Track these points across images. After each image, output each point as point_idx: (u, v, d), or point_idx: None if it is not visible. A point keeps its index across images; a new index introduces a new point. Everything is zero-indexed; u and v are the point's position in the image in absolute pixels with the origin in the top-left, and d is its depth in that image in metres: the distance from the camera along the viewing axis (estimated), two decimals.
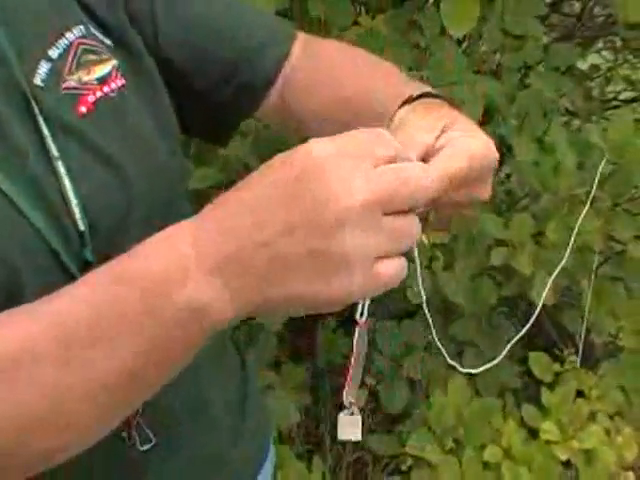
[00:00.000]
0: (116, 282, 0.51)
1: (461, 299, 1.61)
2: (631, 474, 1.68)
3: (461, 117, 0.61)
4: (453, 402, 1.63)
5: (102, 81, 0.64)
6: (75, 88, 0.63)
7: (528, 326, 0.70)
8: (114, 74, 0.65)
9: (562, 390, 1.66)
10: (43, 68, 0.61)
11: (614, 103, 2.20)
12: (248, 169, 1.42)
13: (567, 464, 1.64)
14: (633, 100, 2.16)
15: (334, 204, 0.46)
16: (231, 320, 0.50)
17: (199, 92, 0.74)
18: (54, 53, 0.62)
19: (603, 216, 1.55)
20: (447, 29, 1.41)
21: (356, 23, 1.50)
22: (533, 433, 1.65)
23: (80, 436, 0.53)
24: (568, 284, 1.71)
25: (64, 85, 0.62)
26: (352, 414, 0.59)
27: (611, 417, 1.68)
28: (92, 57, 0.64)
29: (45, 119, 0.60)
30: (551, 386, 1.67)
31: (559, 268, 0.82)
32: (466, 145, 0.57)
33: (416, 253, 0.58)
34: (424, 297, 0.63)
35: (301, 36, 0.78)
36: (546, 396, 1.65)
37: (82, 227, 0.60)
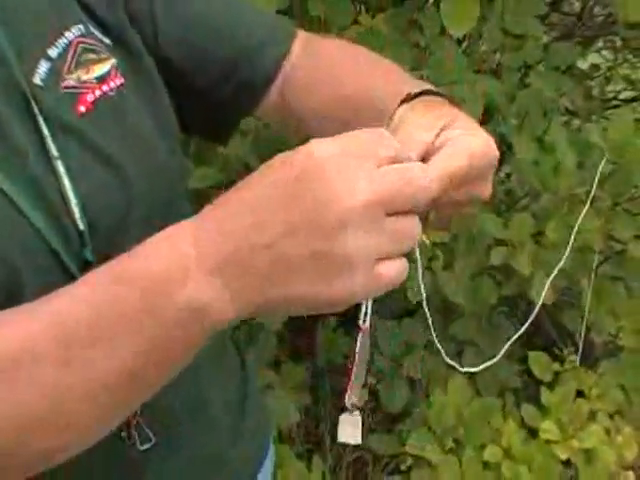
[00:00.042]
0: (116, 282, 0.51)
1: (461, 298, 1.61)
2: (631, 474, 1.68)
3: (461, 115, 0.61)
4: (453, 402, 1.63)
5: (101, 80, 0.64)
6: (74, 87, 0.62)
7: (527, 325, 0.70)
8: (113, 73, 0.65)
9: (562, 389, 1.66)
10: (42, 67, 0.61)
11: (614, 102, 2.20)
12: (248, 168, 1.42)
13: (567, 463, 1.64)
14: (633, 100, 2.16)
15: (336, 205, 0.46)
16: (232, 320, 0.50)
17: (199, 90, 0.74)
18: (53, 52, 0.62)
19: (603, 216, 1.55)
20: (447, 28, 1.41)
21: (356, 22, 1.50)
22: (533, 433, 1.65)
23: (80, 436, 0.53)
24: (568, 284, 1.71)
25: (63, 84, 0.62)
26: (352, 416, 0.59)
27: (611, 416, 1.68)
28: (91, 56, 0.64)
29: (45, 118, 0.60)
30: (551, 386, 1.67)
31: (558, 267, 0.82)
32: (466, 143, 0.57)
33: (417, 253, 0.58)
34: (424, 296, 0.63)
35: (301, 34, 0.78)
36: (546, 396, 1.65)
37: (82, 227, 0.60)
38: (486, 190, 0.60)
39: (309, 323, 1.89)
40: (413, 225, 0.49)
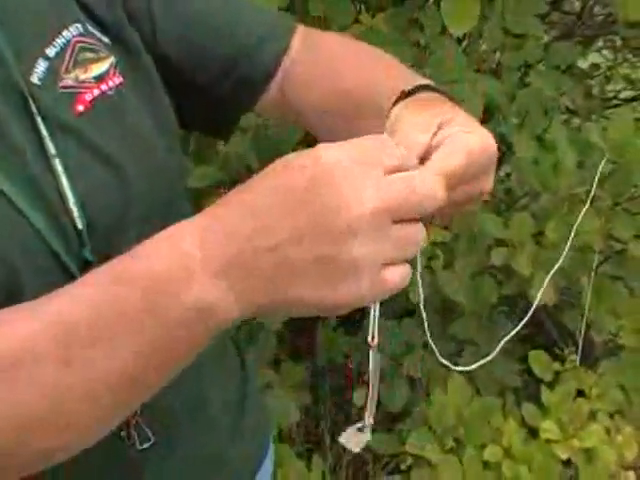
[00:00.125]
0: (116, 281, 0.51)
1: (462, 298, 1.61)
2: (631, 473, 1.68)
3: (459, 112, 0.60)
4: (453, 401, 1.62)
5: (100, 79, 0.64)
6: (72, 87, 0.62)
7: (523, 323, 0.70)
8: (112, 72, 0.65)
9: (562, 389, 1.66)
10: (40, 67, 0.61)
11: (614, 102, 2.20)
12: (248, 167, 1.42)
13: (567, 463, 1.64)
14: (633, 99, 2.16)
15: (346, 211, 0.46)
16: (235, 320, 0.50)
17: (198, 87, 0.74)
18: (51, 52, 0.62)
19: (603, 215, 1.55)
20: (448, 27, 1.41)
21: (357, 21, 1.50)
22: (533, 432, 1.64)
23: (80, 436, 0.53)
24: (568, 283, 1.71)
25: (61, 84, 0.62)
26: (360, 430, 0.58)
27: (611, 416, 1.67)
28: (89, 55, 0.64)
29: (42, 118, 0.60)
30: (551, 385, 1.67)
31: (556, 267, 0.82)
32: (464, 141, 0.56)
33: (418, 255, 0.58)
34: (422, 297, 0.63)
35: (301, 29, 0.78)
36: (546, 395, 1.65)
37: (80, 226, 0.60)
38: (487, 186, 0.59)
39: (309, 323, 1.89)
40: (417, 232, 0.50)
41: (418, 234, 0.50)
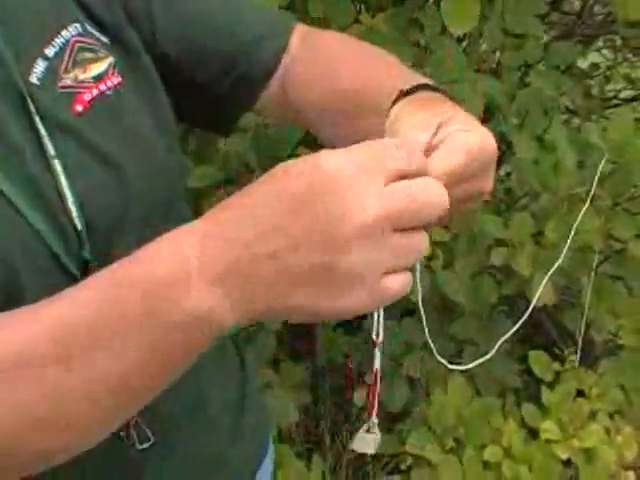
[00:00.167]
0: (117, 285, 0.51)
1: (461, 298, 1.61)
2: (631, 473, 1.68)
3: (458, 111, 0.60)
4: (453, 401, 1.62)
5: (98, 79, 0.64)
6: (71, 86, 0.62)
7: (521, 322, 0.70)
8: (111, 72, 0.65)
9: (562, 389, 1.66)
10: (39, 67, 0.61)
11: (614, 102, 2.20)
12: (248, 167, 1.42)
13: (567, 463, 1.64)
14: (633, 99, 2.16)
15: (349, 219, 0.46)
16: (233, 327, 0.50)
17: (198, 85, 0.74)
18: (50, 51, 0.62)
19: (603, 215, 1.55)
20: (448, 27, 1.41)
21: (357, 21, 1.50)
22: (533, 432, 1.65)
23: (80, 437, 0.53)
24: (568, 283, 1.71)
25: (60, 84, 0.62)
26: (368, 431, 0.58)
27: (611, 416, 1.67)
28: (88, 55, 0.64)
29: (41, 117, 0.60)
30: (551, 385, 1.67)
31: (555, 266, 0.82)
32: (463, 140, 0.56)
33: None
34: (420, 297, 0.63)
35: (300, 27, 0.77)
36: (546, 395, 1.65)
37: (79, 226, 0.60)
38: (488, 185, 0.59)
39: (309, 323, 1.89)
40: (419, 240, 0.49)
41: (420, 243, 0.49)
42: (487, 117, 1.56)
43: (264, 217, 0.47)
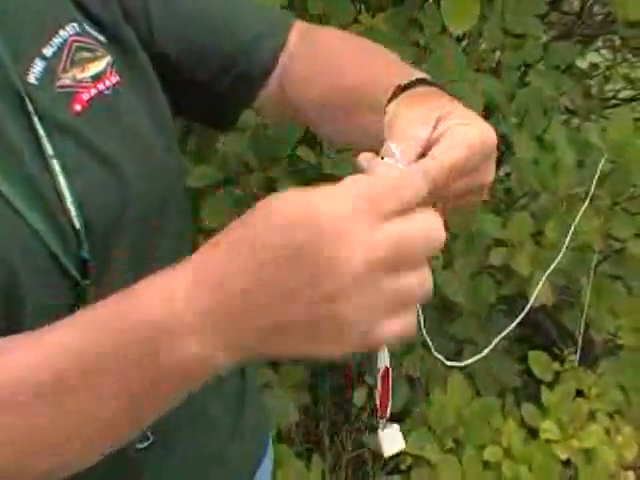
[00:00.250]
0: (106, 327, 0.50)
1: (461, 298, 1.61)
2: (631, 473, 1.68)
3: (457, 105, 0.59)
4: (453, 401, 1.62)
5: (97, 79, 0.64)
6: (69, 86, 0.62)
7: (518, 320, 0.70)
8: (109, 71, 0.65)
9: (562, 389, 1.66)
10: (37, 67, 0.61)
11: (613, 102, 2.20)
12: (247, 168, 1.42)
13: (567, 463, 1.64)
14: (632, 99, 2.16)
15: (345, 267, 0.44)
16: (226, 368, 0.49)
17: (198, 84, 0.74)
18: (48, 51, 0.62)
19: (602, 215, 1.55)
20: (448, 27, 1.41)
21: (356, 21, 1.50)
22: (533, 432, 1.64)
23: (80, 458, 0.53)
24: (567, 283, 1.71)
25: (58, 83, 0.62)
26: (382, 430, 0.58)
27: (611, 416, 1.67)
28: (86, 55, 0.64)
29: (40, 117, 0.60)
30: (551, 385, 1.67)
31: (553, 266, 0.82)
32: (463, 133, 0.55)
33: None
34: None
35: (299, 24, 0.77)
36: (546, 395, 1.65)
37: (78, 225, 0.60)
38: (488, 177, 0.58)
39: None
40: (418, 283, 0.48)
41: (419, 285, 0.48)
42: (486, 117, 1.55)
43: (257, 269, 0.45)
